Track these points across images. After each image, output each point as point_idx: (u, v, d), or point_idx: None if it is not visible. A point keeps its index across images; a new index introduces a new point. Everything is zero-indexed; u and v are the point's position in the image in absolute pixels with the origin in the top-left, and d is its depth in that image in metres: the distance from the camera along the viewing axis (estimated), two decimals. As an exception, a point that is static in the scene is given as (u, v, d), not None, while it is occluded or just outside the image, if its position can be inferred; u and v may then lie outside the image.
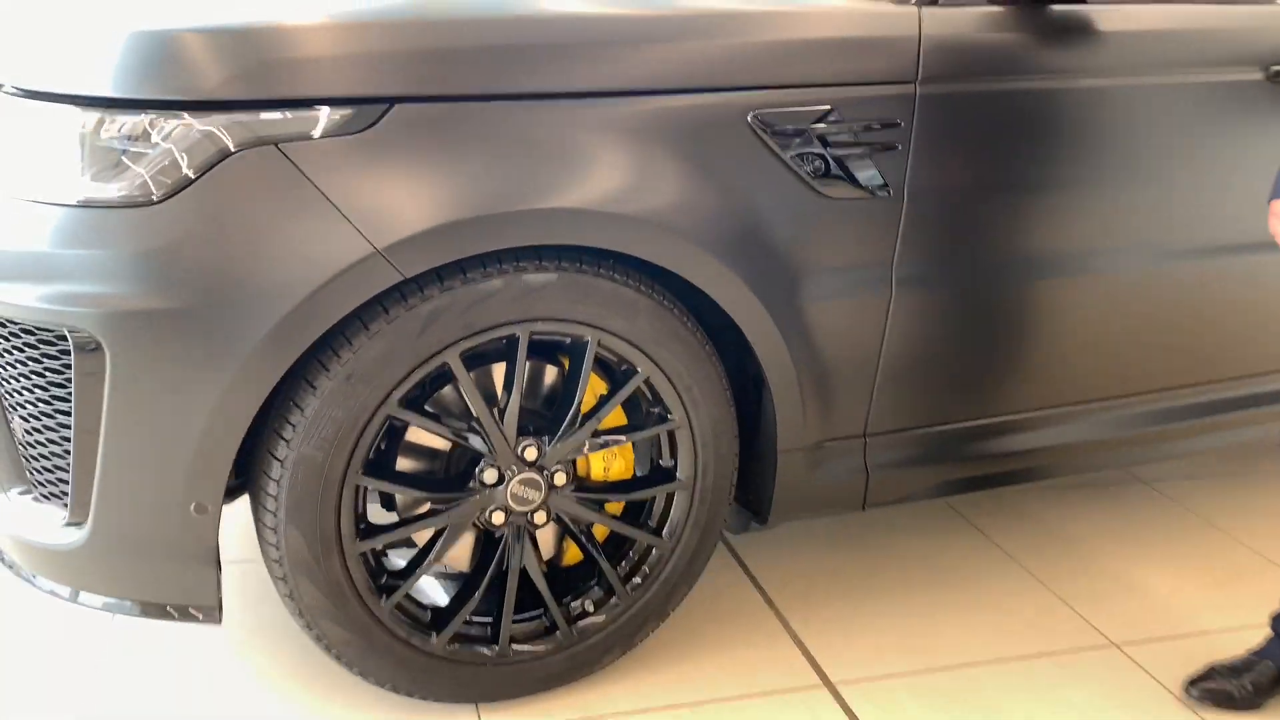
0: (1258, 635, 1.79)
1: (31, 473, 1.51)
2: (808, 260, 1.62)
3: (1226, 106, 1.87)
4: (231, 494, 1.57)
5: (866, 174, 1.61)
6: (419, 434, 1.57)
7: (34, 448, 1.48)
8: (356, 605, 1.50)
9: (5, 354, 1.44)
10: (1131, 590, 2.11)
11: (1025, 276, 1.82)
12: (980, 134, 1.70)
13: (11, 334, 1.41)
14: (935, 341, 1.79)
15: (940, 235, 1.71)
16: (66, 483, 1.44)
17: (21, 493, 1.53)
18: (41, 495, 1.51)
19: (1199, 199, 1.91)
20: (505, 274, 1.44)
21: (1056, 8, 1.70)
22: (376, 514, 1.60)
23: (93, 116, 1.32)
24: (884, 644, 1.89)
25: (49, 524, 1.47)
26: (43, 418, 1.44)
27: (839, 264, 1.65)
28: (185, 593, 1.46)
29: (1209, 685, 1.75)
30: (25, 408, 1.45)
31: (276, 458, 1.41)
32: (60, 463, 1.44)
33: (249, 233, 1.32)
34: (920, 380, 1.81)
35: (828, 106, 1.56)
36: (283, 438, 1.41)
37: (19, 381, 1.44)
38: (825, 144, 1.57)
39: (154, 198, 1.31)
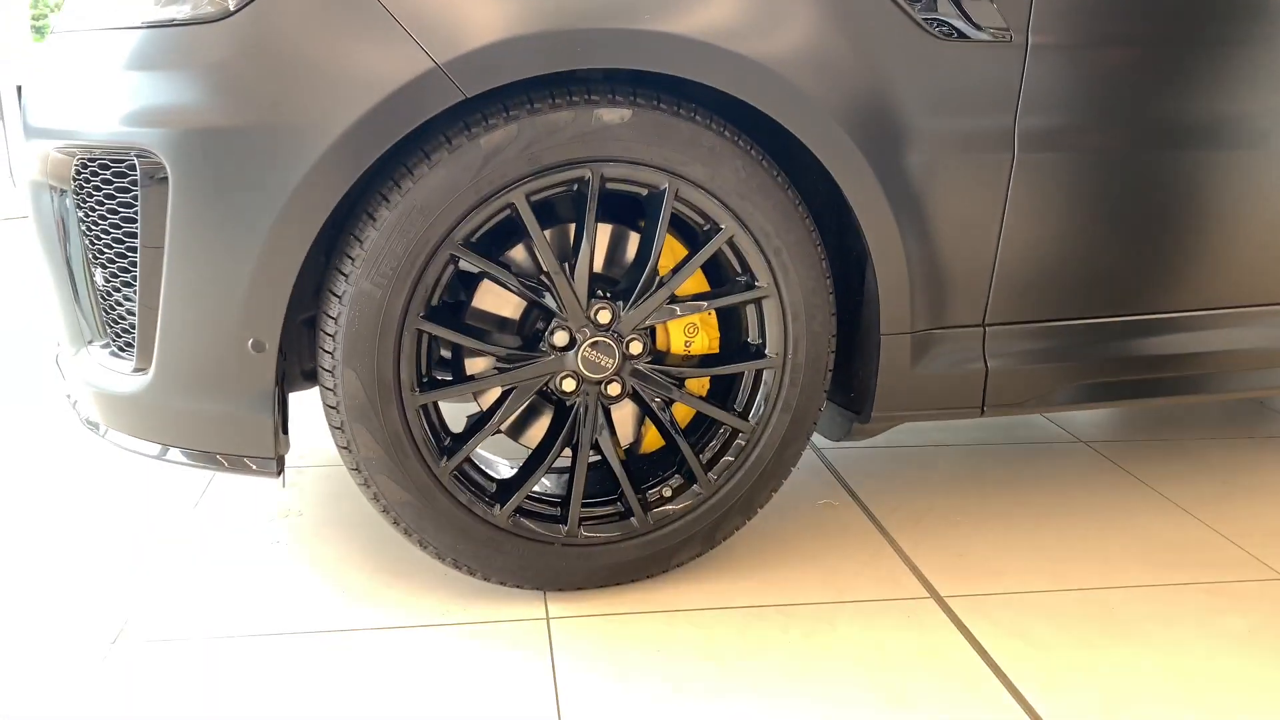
0: None
1: (110, 324, 1.51)
2: (918, 113, 1.46)
3: None
4: (311, 377, 1.53)
5: (983, 12, 1.44)
6: (488, 298, 1.49)
7: (111, 296, 1.48)
8: (415, 462, 1.43)
9: (87, 197, 1.44)
10: (1307, 531, 1.82)
11: (1178, 144, 1.59)
12: (1120, -28, 1.50)
13: (91, 173, 1.42)
14: (1069, 216, 1.59)
15: (1070, 88, 1.52)
16: (129, 332, 1.44)
17: (102, 346, 1.54)
18: (118, 348, 1.51)
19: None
20: (575, 106, 1.35)
21: None
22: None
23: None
24: (1005, 566, 1.68)
25: (120, 373, 1.47)
26: (117, 260, 1.43)
27: (953, 118, 1.48)
28: (241, 441, 1.42)
29: None
30: (104, 253, 1.45)
31: (335, 294, 1.36)
32: (133, 307, 1.44)
33: (309, 48, 1.28)
34: (1052, 262, 1.61)
35: (941, -64, 1.40)
36: (342, 273, 1.35)
37: (99, 226, 1.44)
38: (939, -18, 1.42)
39: (217, 14, 1.28)
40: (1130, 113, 1.56)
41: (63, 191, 1.48)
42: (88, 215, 1.45)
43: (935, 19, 1.43)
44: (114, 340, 1.51)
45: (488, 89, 1.30)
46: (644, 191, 1.44)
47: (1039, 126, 1.50)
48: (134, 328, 1.43)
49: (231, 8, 1.28)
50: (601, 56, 1.32)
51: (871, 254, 1.50)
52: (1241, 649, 1.45)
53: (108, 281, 1.47)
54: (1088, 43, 1.51)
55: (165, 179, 1.31)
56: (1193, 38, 1.56)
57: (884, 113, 1.44)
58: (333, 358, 1.38)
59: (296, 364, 1.52)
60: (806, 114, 1.40)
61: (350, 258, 1.35)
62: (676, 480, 1.57)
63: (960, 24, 1.44)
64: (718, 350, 1.58)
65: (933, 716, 1.29)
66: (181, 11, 1.30)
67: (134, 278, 1.40)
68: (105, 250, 1.45)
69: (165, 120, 1.29)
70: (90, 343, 1.55)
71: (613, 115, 1.36)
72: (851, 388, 1.64)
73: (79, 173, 1.43)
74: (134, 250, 1.38)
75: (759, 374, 1.55)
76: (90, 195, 1.43)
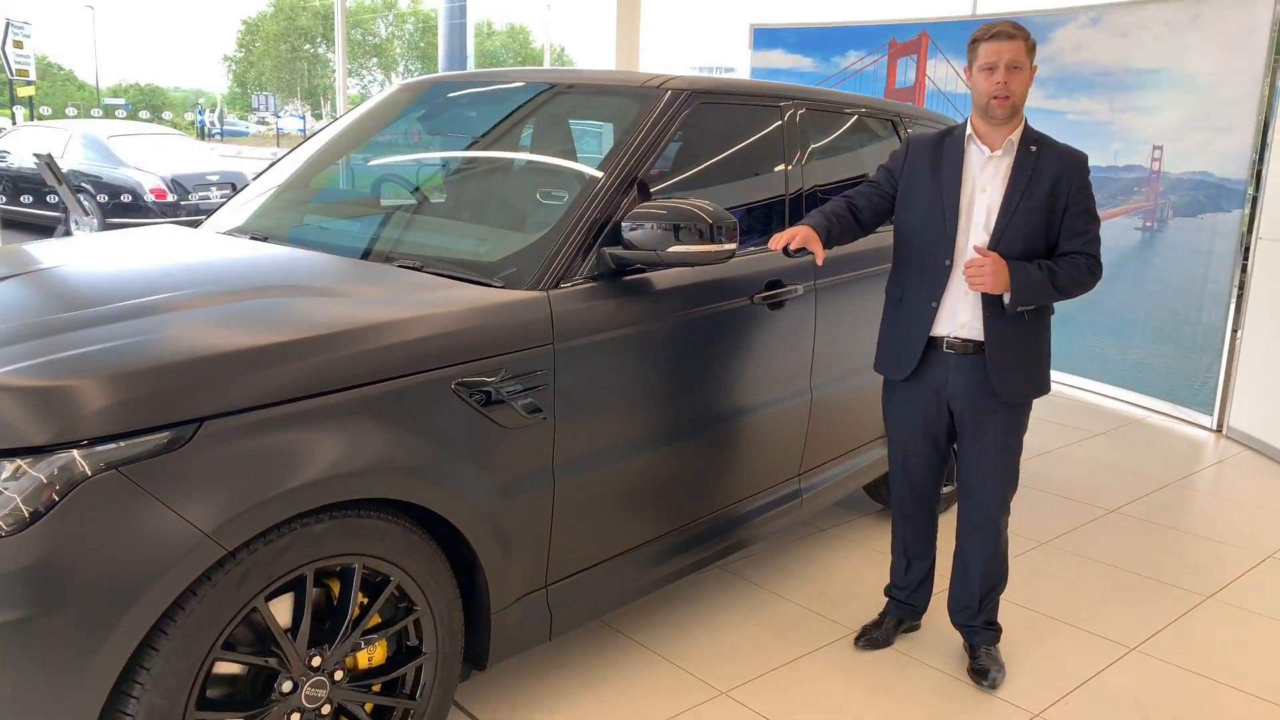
0: (799, 666, 2.75)
1: None
2: (498, 471, 2.27)
3: (735, 321, 2.87)
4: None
5: (527, 406, 2.31)
6: (229, 668, 1.95)
7: None
8: (198, 822, 1.85)
9: None
10: (722, 647, 3.00)
11: (638, 451, 2.63)
12: (598, 367, 2.49)
13: None
14: (589, 505, 2.53)
15: (583, 436, 2.46)
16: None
17: None
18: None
19: (727, 379, 2.89)
20: (294, 530, 1.91)
21: (628, 278, 2.56)
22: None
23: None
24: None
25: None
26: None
27: (518, 470, 2.32)
28: None
29: (864, 639, 3.05)
30: None
31: (127, 712, 1.74)
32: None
33: (103, 541, 1.67)
34: (581, 534, 2.54)
35: (501, 369, 2.24)
36: (132, 695, 1.74)
37: None
38: (502, 392, 2.25)
39: (16, 527, 1.62)
40: (614, 441, 2.55)
41: None
42: None
43: (498, 411, 2.26)
44: None
45: (242, 542, 1.81)
46: (338, 567, 2.04)
47: (567, 465, 2.42)
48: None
49: (19, 526, 1.62)
50: (311, 499, 1.90)
51: (480, 561, 2.28)
52: (715, 750, 2.51)
53: None
54: (589, 407, 2.47)
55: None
56: (639, 393, 2.61)
57: (474, 475, 2.23)
58: (129, 761, 1.75)
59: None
60: (425, 490, 2.12)
61: (139, 682, 1.74)
62: (373, 754, 2.18)
63: (512, 413, 2.29)
64: (386, 656, 2.22)
65: None
66: (-19, 529, 1.60)
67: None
68: None
69: (-22, 622, 1.58)
70: None
71: (319, 529, 1.95)
72: (473, 648, 2.39)
73: None
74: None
75: (420, 664, 2.22)
76: None
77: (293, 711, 2.00)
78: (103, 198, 11.34)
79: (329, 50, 35.43)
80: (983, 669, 2.90)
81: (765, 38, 8.34)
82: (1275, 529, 4.24)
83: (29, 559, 1.62)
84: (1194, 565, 3.82)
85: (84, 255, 2.66)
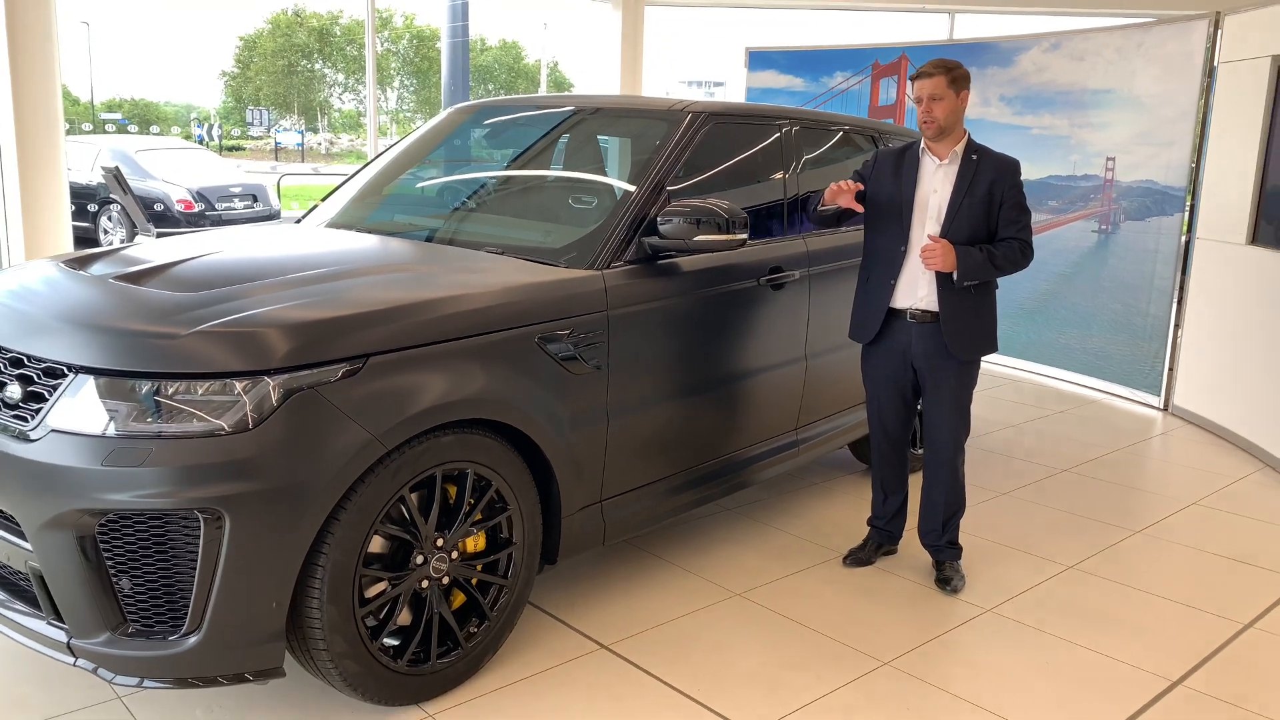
0: (798, 577, 3.45)
1: (136, 614, 2.33)
2: (568, 408, 2.96)
3: (745, 299, 3.57)
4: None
5: (589, 359, 3.00)
6: (377, 543, 2.62)
7: (140, 595, 2.31)
8: (363, 648, 2.52)
9: (122, 537, 2.28)
10: (735, 565, 3.69)
11: (677, 397, 3.33)
12: (639, 331, 3.18)
13: (139, 525, 2.27)
14: (633, 439, 3.22)
15: (629, 384, 3.15)
16: (171, 614, 2.32)
17: (114, 631, 2.33)
18: (141, 628, 2.33)
19: (739, 345, 3.59)
20: (429, 439, 2.60)
21: (661, 261, 3.26)
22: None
23: (212, 384, 2.29)
24: (615, 618, 3.23)
25: (158, 642, 2.31)
26: (159, 570, 2.30)
27: (582, 408, 3.01)
28: (263, 661, 2.38)
29: (850, 558, 3.75)
30: (138, 568, 2.30)
31: (319, 564, 2.42)
32: (169, 600, 2.31)
33: (306, 438, 2.35)
34: (627, 462, 3.22)
35: (570, 328, 2.93)
36: (323, 552, 2.42)
37: (138, 552, 2.29)
38: (570, 346, 2.94)
39: (246, 426, 2.30)
40: (655, 387, 3.24)
41: (94, 536, 2.28)
42: (136, 552, 2.28)
43: (567, 362, 2.95)
44: (138, 623, 2.33)
45: (396, 444, 2.49)
46: (456, 472, 2.72)
47: (618, 405, 3.11)
48: (166, 611, 2.31)
49: (250, 425, 2.30)
50: (439, 416, 2.59)
51: (556, 475, 2.96)
52: (753, 639, 3.20)
53: (144, 585, 2.31)
54: (635, 360, 3.16)
55: (222, 518, 2.26)
56: (675, 351, 3.30)
57: (553, 408, 2.92)
58: (319, 600, 2.42)
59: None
60: (519, 416, 2.81)
61: (327, 543, 2.42)
62: (475, 621, 2.85)
63: (579, 364, 2.98)
64: (486, 545, 2.90)
65: None
66: (224, 426, 2.28)
67: (180, 581, 2.29)
68: (148, 567, 2.29)
69: (229, 489, 2.26)
70: (116, 628, 2.33)
71: (446, 440, 2.64)
72: (547, 547, 3.07)
73: (110, 523, 2.27)
74: (182, 563, 2.28)
75: (511, 552, 2.90)
76: (140, 540, 2.28)
77: (422, 579, 2.67)
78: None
79: (325, 65, 35.96)
80: (946, 578, 3.60)
81: (759, 59, 9.08)
82: (1201, 483, 4.96)
83: (257, 449, 2.30)
84: (1128, 509, 4.53)
85: (232, 245, 3.34)
